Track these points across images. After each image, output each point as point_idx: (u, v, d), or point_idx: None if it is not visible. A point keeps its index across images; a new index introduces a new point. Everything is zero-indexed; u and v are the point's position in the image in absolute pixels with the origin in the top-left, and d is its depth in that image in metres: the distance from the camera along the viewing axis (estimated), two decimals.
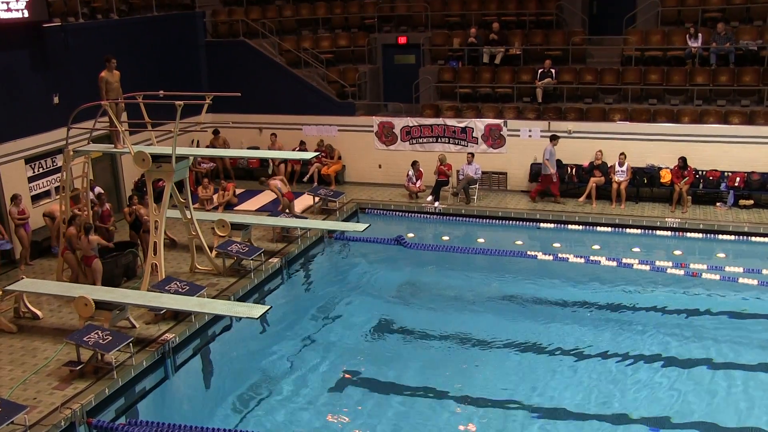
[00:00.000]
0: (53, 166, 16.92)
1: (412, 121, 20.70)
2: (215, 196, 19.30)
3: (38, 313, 13.26)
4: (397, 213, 19.34)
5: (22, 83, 16.33)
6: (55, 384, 10.99)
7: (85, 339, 11.14)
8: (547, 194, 19.10)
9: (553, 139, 18.60)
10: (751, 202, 17.96)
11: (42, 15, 16.31)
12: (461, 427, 10.81)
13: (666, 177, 18.31)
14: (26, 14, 15.87)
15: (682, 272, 15.03)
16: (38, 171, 16.73)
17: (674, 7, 20.87)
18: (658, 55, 20.13)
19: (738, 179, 17.87)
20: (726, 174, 18.05)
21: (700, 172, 18.21)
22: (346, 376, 12.31)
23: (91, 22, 18.83)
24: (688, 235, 17.10)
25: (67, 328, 12.56)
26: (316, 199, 19.23)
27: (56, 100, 17.02)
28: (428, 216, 19.05)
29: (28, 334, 12.67)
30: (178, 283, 13.21)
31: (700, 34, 19.58)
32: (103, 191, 16.51)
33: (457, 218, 18.74)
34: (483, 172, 19.74)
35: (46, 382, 11.06)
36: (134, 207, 15.52)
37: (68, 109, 14.93)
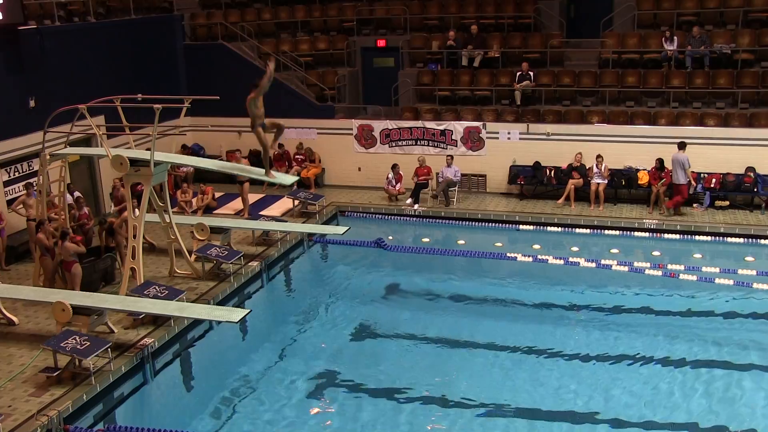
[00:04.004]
0: (29, 170, 16.75)
1: (391, 124, 20.73)
2: (194, 200, 19.19)
3: (14, 319, 13.08)
4: (376, 216, 19.34)
5: None
6: (31, 391, 10.86)
7: (62, 344, 11.01)
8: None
9: (682, 146, 17.46)
10: (727, 203, 18.18)
11: (17, 18, 16.10)
12: (443, 430, 10.83)
13: (643, 179, 18.50)
14: (0, 17, 15.68)
15: (659, 273, 15.16)
16: (14, 175, 16.54)
17: (650, 11, 21.12)
18: (634, 57, 20.35)
19: (714, 180, 18.09)
20: (702, 175, 18.26)
21: None
22: (327, 379, 12.27)
23: (67, 25, 18.67)
24: (666, 236, 17.26)
25: (44, 334, 12.41)
26: (296, 202, 19.19)
27: (32, 103, 16.83)
28: (408, 218, 19.07)
29: (4, 340, 12.50)
30: (157, 287, 13.12)
31: (675, 38, 19.82)
32: (81, 195, 16.36)
33: (437, 220, 18.78)
34: (462, 175, 19.79)
35: (22, 389, 10.93)
36: (109, 220, 15.35)
37: (44, 112, 14.79)
